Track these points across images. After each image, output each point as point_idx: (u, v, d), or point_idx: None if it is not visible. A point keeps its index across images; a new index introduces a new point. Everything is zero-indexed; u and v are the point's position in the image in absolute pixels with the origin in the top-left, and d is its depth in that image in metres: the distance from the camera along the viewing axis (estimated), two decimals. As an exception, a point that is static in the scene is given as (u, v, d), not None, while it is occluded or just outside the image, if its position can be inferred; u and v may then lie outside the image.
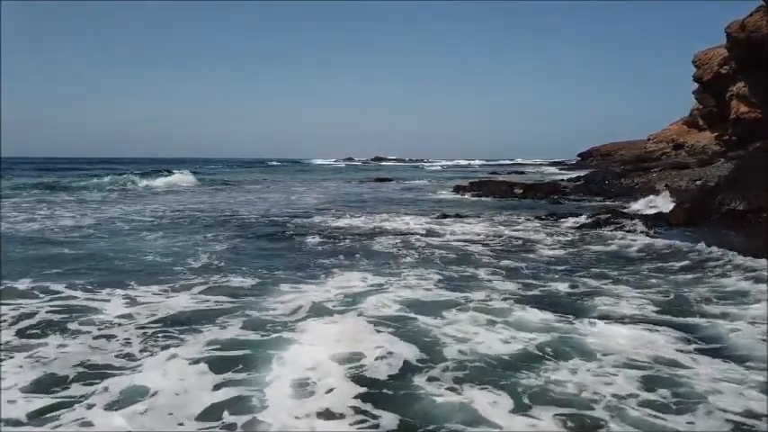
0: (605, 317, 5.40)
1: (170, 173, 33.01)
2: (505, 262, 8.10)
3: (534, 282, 6.89)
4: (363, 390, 3.84)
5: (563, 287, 6.60)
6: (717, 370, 4.12)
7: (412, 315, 5.47)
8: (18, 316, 5.40)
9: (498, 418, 3.49)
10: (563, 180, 29.00)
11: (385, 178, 36.26)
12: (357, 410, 3.57)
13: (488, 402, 3.67)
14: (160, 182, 28.97)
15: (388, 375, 4.08)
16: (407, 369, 4.20)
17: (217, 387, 3.90)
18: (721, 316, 5.40)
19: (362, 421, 3.46)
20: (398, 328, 5.05)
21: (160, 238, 10.41)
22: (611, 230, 10.73)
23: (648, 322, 5.25)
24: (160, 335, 4.94)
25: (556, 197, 19.67)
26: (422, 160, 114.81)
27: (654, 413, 3.51)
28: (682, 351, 4.52)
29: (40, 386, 3.90)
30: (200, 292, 6.37)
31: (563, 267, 7.77)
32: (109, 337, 4.88)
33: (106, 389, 3.85)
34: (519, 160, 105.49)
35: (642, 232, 10.28)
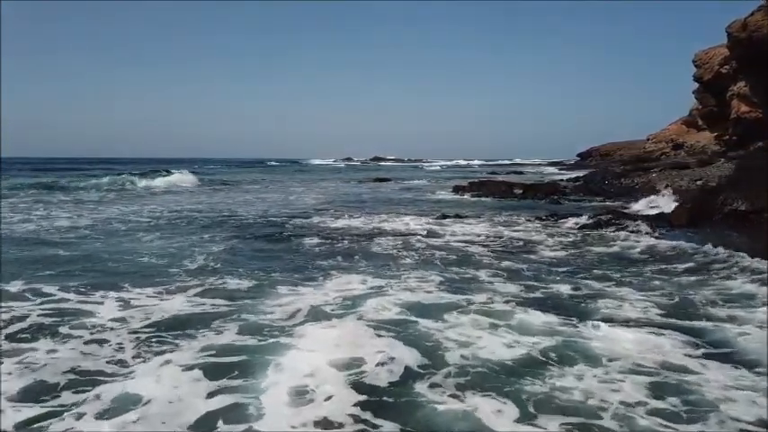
0: (609, 320, 5.28)
1: (169, 173, 32.84)
2: (506, 263, 7.98)
3: (536, 284, 6.77)
4: (363, 397, 3.72)
5: (565, 289, 6.48)
6: (727, 376, 4.00)
7: (413, 318, 5.35)
8: (9, 319, 5.27)
9: (503, 427, 3.37)
10: (562, 180, 28.88)
11: (384, 178, 36.15)
12: (357, 419, 3.46)
13: (492, 410, 3.55)
14: (159, 182, 28.83)
15: (389, 382, 3.96)
16: (408, 375, 4.08)
17: (212, 394, 3.78)
18: (728, 319, 5.28)
19: (362, 430, 3.35)
20: (399, 333, 4.93)
21: (156, 239, 10.28)
22: (612, 231, 10.62)
23: (654, 326, 5.13)
24: (154, 340, 4.81)
25: (556, 197, 19.55)
26: (421, 160, 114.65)
27: (664, 422, 3.39)
28: (690, 356, 4.40)
29: (28, 394, 3.78)
30: (196, 295, 6.24)
31: (565, 269, 7.65)
32: (101, 342, 4.75)
33: (97, 396, 3.73)
34: (518, 160, 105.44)
35: (647, 233, 10.16)
